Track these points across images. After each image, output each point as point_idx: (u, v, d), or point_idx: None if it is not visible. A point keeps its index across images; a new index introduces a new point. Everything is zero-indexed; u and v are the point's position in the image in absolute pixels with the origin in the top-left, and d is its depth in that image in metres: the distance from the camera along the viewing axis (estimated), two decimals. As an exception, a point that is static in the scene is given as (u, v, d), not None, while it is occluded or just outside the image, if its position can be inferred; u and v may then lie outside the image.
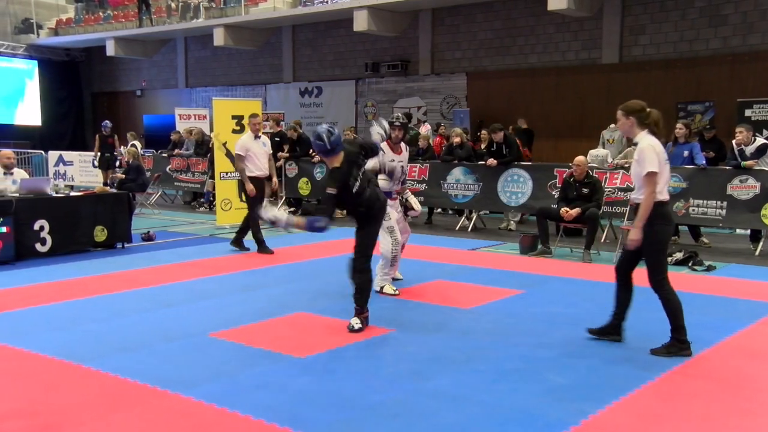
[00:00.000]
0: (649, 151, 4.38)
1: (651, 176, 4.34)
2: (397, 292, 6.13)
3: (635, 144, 4.58)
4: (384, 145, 5.98)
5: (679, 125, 9.13)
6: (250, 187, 8.19)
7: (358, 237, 5.07)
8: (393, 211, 6.06)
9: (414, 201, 6.46)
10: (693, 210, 8.74)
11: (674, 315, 4.48)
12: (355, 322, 4.97)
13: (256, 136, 8.38)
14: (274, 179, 8.68)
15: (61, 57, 23.69)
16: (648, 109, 4.51)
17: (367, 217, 5.05)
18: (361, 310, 5.02)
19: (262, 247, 8.26)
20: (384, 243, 6.00)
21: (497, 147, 10.15)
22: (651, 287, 4.53)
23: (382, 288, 6.11)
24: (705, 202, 8.64)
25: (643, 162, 4.37)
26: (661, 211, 4.41)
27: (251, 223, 8.31)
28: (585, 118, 14.44)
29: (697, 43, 13.46)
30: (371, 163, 5.75)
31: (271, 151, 8.73)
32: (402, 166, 6.21)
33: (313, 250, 8.45)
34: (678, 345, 4.47)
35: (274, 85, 19.77)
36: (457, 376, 4.06)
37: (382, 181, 5.96)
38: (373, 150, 5.28)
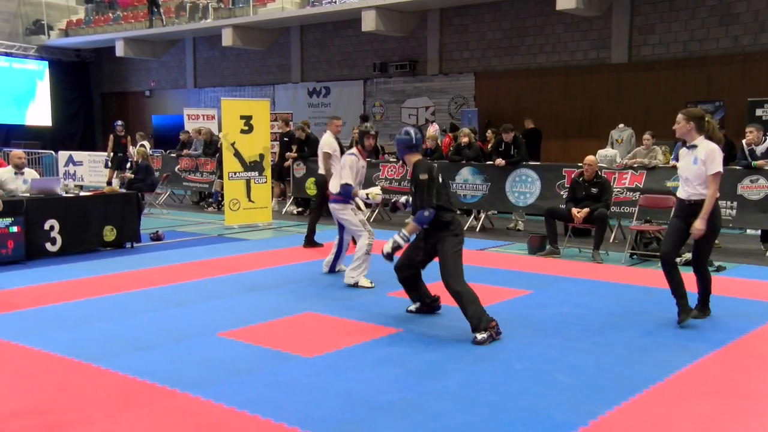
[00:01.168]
0: (719, 153, 5.03)
1: (718, 176, 5.01)
2: (373, 285, 6.30)
3: (690, 147, 5.16)
4: (355, 151, 6.48)
5: None
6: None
7: (441, 258, 4.89)
8: (353, 206, 6.48)
9: (367, 193, 6.46)
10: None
11: (708, 289, 5.30)
12: (480, 335, 4.65)
13: (336, 137, 8.56)
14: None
15: (71, 58, 23.85)
16: (706, 118, 5.17)
17: (440, 229, 4.94)
18: (478, 323, 4.67)
19: (310, 242, 8.56)
20: (361, 238, 6.38)
21: (506, 147, 10.13)
22: (695, 267, 5.30)
23: (357, 282, 6.32)
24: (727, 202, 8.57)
25: (712, 162, 4.99)
26: (718, 206, 5.18)
27: (313, 219, 8.66)
28: (594, 118, 14.40)
29: (707, 42, 13.39)
30: (348, 172, 6.30)
31: (326, 150, 8.81)
32: (365, 170, 6.72)
33: (322, 251, 8.45)
34: (705, 311, 5.29)
35: (283, 86, 19.82)
36: (466, 376, 4.05)
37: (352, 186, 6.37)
38: None
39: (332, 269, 6.99)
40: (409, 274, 5.30)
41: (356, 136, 6.75)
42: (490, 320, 4.71)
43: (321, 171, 8.44)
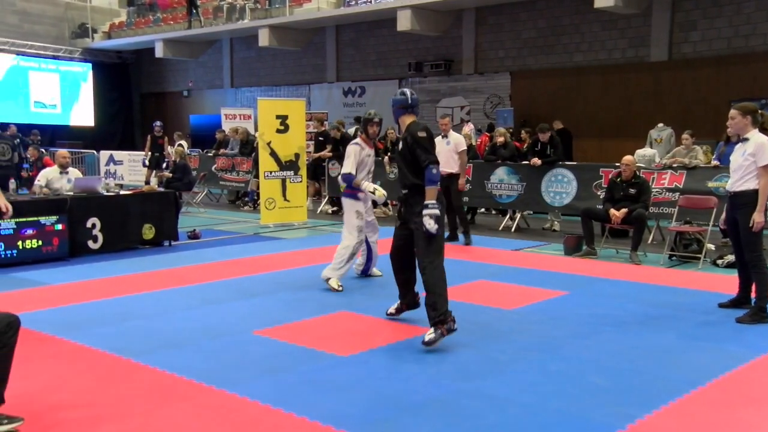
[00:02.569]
0: None
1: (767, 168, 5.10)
2: (341, 288, 6.18)
3: (744, 140, 5.26)
4: (359, 140, 6.33)
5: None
6: (462, 182, 9.07)
7: (417, 238, 4.63)
8: (362, 208, 6.32)
9: (374, 188, 6.10)
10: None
11: (764, 287, 5.18)
12: (428, 334, 4.46)
13: (443, 136, 8.89)
14: (461, 180, 9.05)
15: (113, 59, 24.42)
16: (760, 111, 5.29)
17: (419, 202, 4.62)
18: (437, 317, 4.44)
19: (468, 238, 9.04)
20: (348, 239, 6.27)
21: (542, 147, 10.03)
22: (748, 262, 5.31)
23: (328, 279, 6.26)
24: None
25: (762, 155, 5.07)
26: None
27: (460, 215, 9.21)
28: (631, 118, 14.14)
29: (753, 38, 13.01)
30: (349, 162, 6.13)
31: (462, 149, 9.00)
32: (372, 159, 6.48)
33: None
34: (760, 314, 5.17)
35: (318, 85, 19.95)
36: (500, 377, 4.03)
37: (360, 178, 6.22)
38: None
39: (365, 272, 6.85)
40: (403, 259, 4.96)
41: (371, 129, 6.37)
42: (445, 317, 4.46)
43: (450, 169, 8.71)
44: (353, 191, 6.30)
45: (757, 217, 5.12)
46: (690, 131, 9.65)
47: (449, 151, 8.82)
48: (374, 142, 6.56)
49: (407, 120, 4.85)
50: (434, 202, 4.55)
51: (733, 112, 5.27)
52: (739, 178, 5.25)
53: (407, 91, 4.95)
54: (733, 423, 3.44)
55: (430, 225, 4.50)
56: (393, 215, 11.91)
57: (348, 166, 6.17)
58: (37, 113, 22.31)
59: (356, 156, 6.19)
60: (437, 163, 4.62)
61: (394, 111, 4.99)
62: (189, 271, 7.23)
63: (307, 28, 19.21)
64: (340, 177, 6.31)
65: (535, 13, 15.62)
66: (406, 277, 5.08)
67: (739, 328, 5.10)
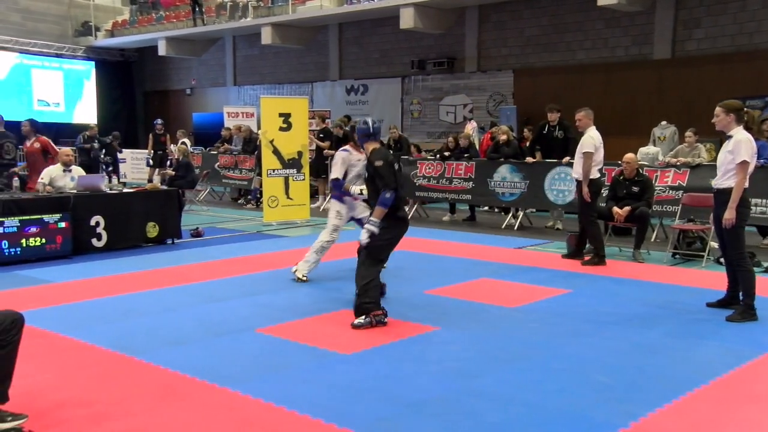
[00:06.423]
0: (747, 143, 5.10)
1: (744, 165, 5.07)
2: (306, 279, 6.56)
3: (730, 137, 5.20)
4: (348, 146, 6.43)
5: None
6: (585, 190, 7.43)
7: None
8: (343, 210, 6.48)
9: (360, 189, 6.18)
10: (753, 209, 8.34)
11: (750, 285, 5.18)
12: (359, 321, 5.00)
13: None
14: (583, 188, 7.45)
15: (116, 57, 24.44)
16: (746, 109, 5.27)
17: (394, 217, 5.07)
18: (366, 309, 5.02)
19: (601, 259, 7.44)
20: (323, 235, 6.51)
21: (549, 130, 9.94)
22: (731, 260, 5.30)
23: (295, 271, 6.61)
24: (765, 201, 8.32)
25: (738, 152, 5.06)
26: (743, 196, 5.15)
27: (591, 231, 7.53)
28: (635, 116, 14.09)
29: (757, 36, 12.95)
30: (337, 169, 6.29)
31: (585, 150, 7.50)
32: (363, 164, 6.24)
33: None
34: (749, 311, 5.15)
35: (321, 83, 19.94)
36: (502, 375, 4.03)
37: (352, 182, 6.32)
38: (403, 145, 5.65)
39: None
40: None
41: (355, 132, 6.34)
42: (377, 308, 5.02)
43: (574, 175, 7.72)
44: (340, 195, 6.49)
45: (727, 214, 5.09)
46: (693, 129, 9.62)
47: (577, 152, 7.64)
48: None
49: (369, 147, 5.31)
50: (377, 220, 4.99)
51: (717, 109, 5.26)
52: (722, 175, 5.23)
53: (369, 121, 5.42)
54: (735, 421, 3.44)
55: (363, 237, 4.99)
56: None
57: (335, 173, 6.36)
58: (40, 111, 22.33)
59: (344, 162, 6.32)
60: (394, 188, 5.00)
61: (358, 138, 5.53)
62: (192, 269, 7.24)
63: (310, 26, 19.20)
64: (329, 182, 6.53)
65: (538, 10, 15.58)
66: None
67: (742, 326, 5.09)
